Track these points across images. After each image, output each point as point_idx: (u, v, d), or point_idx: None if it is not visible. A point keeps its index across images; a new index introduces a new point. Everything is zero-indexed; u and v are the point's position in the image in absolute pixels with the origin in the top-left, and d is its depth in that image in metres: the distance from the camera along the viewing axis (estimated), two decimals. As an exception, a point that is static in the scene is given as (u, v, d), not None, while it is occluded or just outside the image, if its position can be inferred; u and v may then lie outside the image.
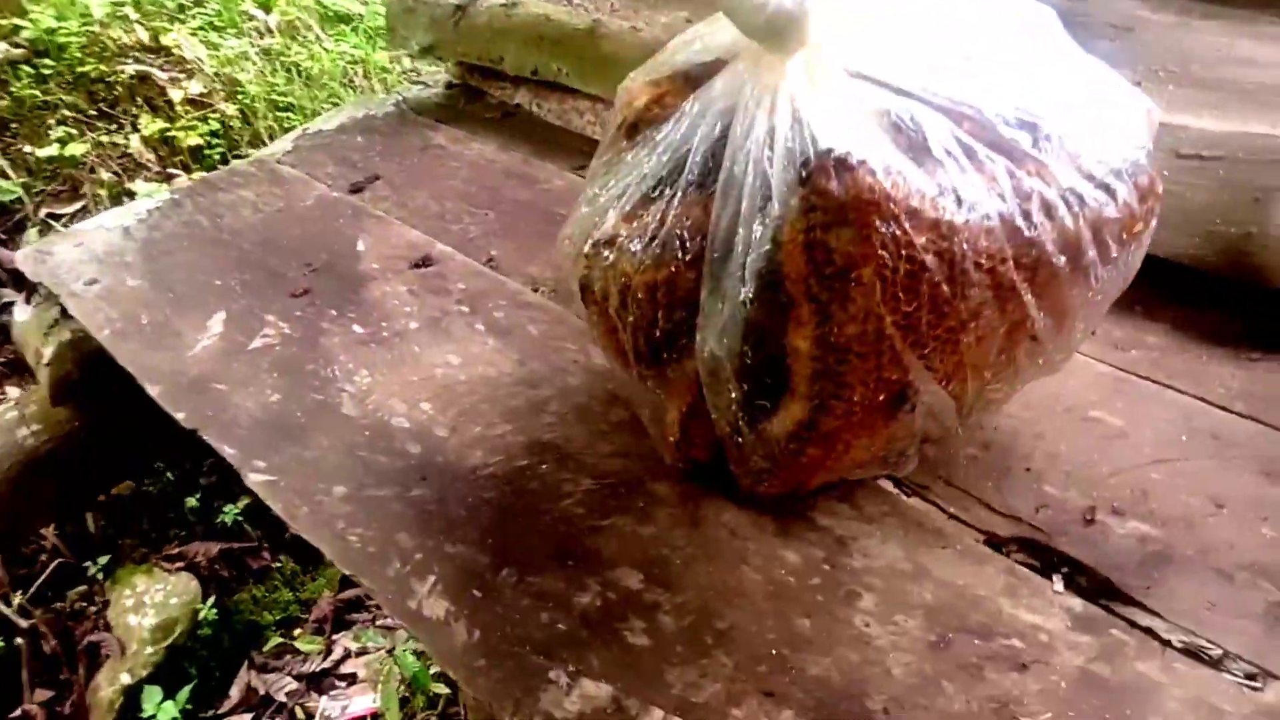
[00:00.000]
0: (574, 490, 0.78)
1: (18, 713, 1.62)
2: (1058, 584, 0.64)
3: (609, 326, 0.68)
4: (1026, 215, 0.53)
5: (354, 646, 1.74)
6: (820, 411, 0.60)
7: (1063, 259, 0.54)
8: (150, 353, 1.00)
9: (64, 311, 1.13)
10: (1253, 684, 0.58)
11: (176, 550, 1.79)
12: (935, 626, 0.62)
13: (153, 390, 0.96)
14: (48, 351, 1.13)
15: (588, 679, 0.62)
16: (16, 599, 1.67)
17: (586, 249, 0.66)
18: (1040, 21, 0.65)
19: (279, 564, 1.88)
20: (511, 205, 1.20)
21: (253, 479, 0.84)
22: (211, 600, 1.69)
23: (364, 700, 1.62)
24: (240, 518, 1.87)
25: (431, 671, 1.50)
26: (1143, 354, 0.84)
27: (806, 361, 0.58)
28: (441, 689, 1.51)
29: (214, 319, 1.05)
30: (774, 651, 0.62)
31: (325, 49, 2.62)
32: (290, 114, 2.40)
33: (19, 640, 1.65)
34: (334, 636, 1.77)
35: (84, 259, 1.18)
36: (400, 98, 1.52)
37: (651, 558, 0.71)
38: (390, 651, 1.41)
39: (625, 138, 0.71)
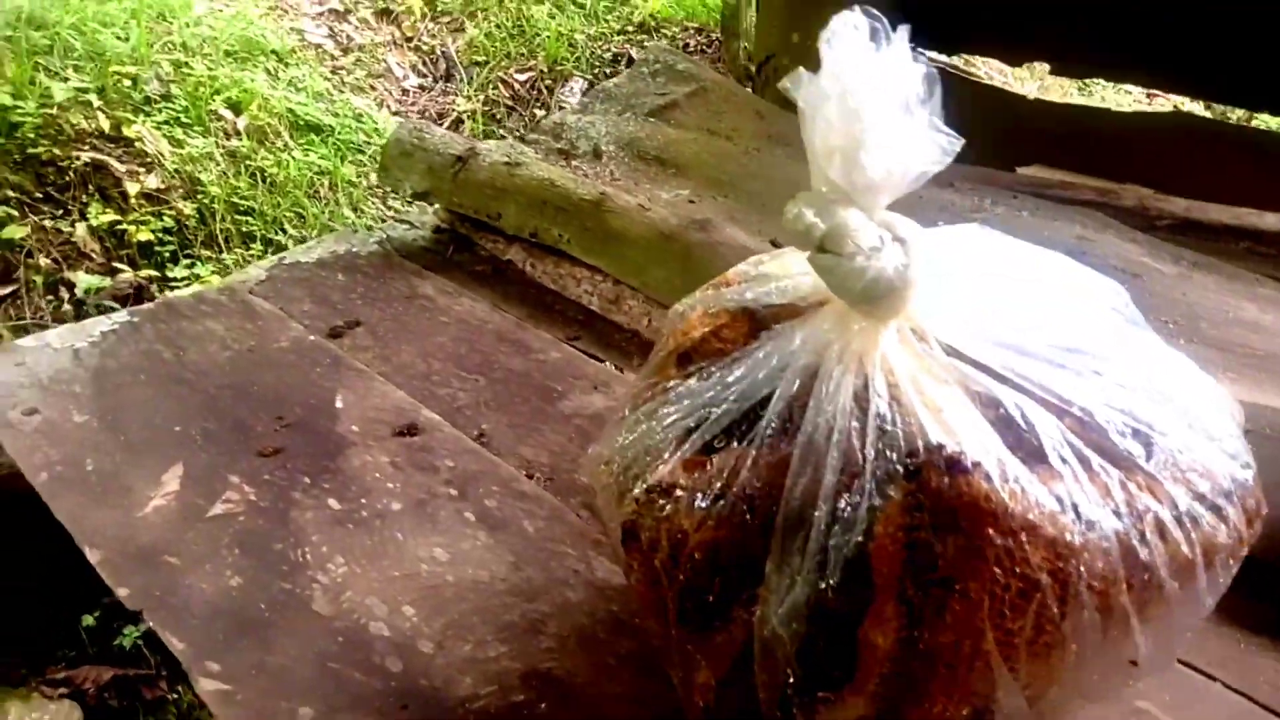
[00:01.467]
0: (578, 740, 0.70)
1: None
2: None
3: (650, 578, 0.62)
4: (1141, 536, 0.50)
5: None
6: (889, 716, 0.54)
7: (1175, 584, 0.51)
8: (94, 509, 0.90)
9: (-7, 442, 1.02)
10: None
11: (62, 674, 1.60)
12: None
13: (93, 557, 0.85)
14: (-33, 488, 1.00)
15: None
16: None
17: (638, 492, 0.61)
18: (1118, 302, 0.64)
19: (175, 695, 1.70)
20: (504, 373, 1.15)
21: (204, 686, 0.73)
22: None
23: None
24: (140, 641, 1.70)
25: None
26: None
27: (883, 660, 0.53)
28: None
29: (170, 473, 0.95)
30: None
31: (293, 157, 2.57)
32: (250, 218, 2.33)
33: None
34: None
35: (24, 382, 1.07)
36: (384, 236, 1.47)
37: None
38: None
39: (675, 365, 0.67)
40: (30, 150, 2.13)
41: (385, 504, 0.93)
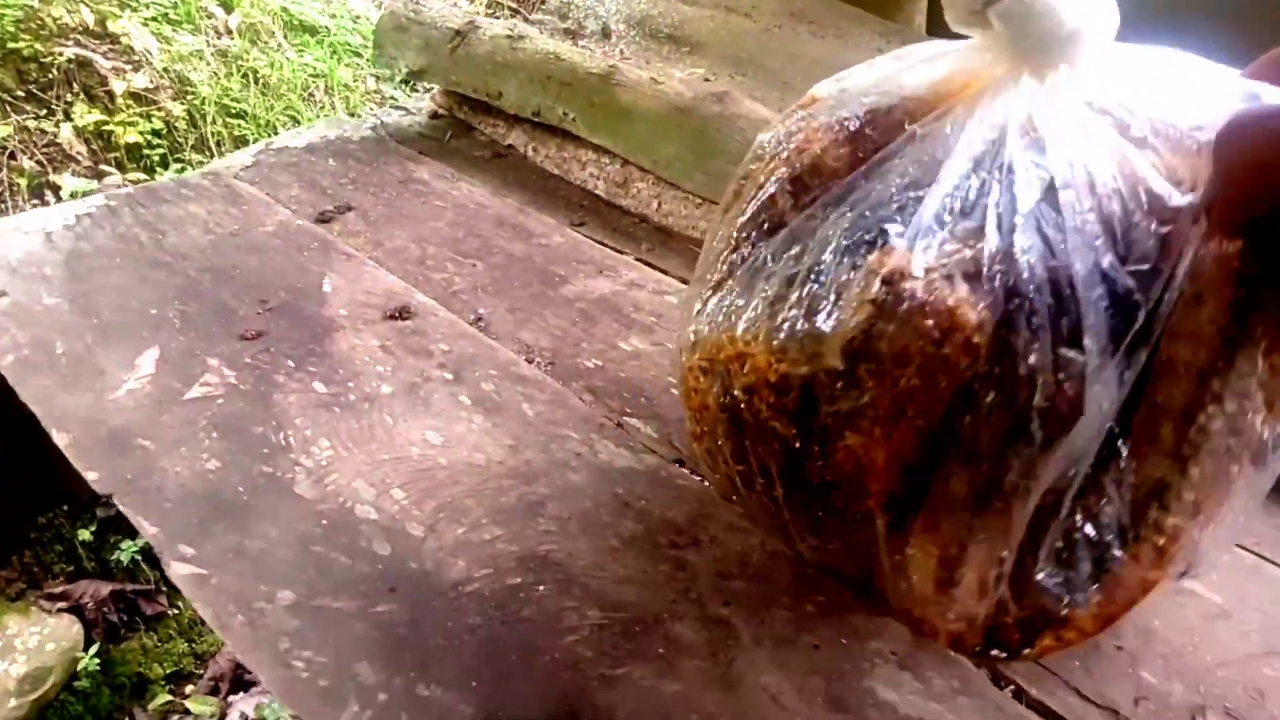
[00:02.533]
0: (579, 624, 0.64)
1: None
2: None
3: (896, 405, 0.48)
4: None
5: (252, 716, 1.56)
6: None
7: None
8: (63, 392, 0.84)
9: (-41, 326, 0.95)
10: None
11: (60, 588, 1.58)
12: None
13: (61, 440, 0.79)
14: (-67, 373, 0.94)
15: None
16: None
17: (875, 291, 0.48)
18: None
19: (176, 611, 1.69)
20: (504, 258, 1.07)
21: (177, 570, 0.68)
22: (95, 648, 1.50)
23: (257, 779, 1.46)
24: (138, 556, 1.68)
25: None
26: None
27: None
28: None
29: (145, 356, 0.88)
30: None
31: (287, 58, 2.46)
32: (242, 121, 2.24)
33: None
34: (230, 698, 1.60)
35: (-6, 264, 1.00)
36: (379, 121, 1.38)
37: (680, 728, 0.57)
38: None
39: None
40: (10, 45, 2.03)
41: (375, 387, 0.86)
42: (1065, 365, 0.45)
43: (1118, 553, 0.47)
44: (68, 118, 2.05)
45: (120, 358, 0.88)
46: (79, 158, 2.06)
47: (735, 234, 0.59)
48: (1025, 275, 0.45)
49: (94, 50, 2.15)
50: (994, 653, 0.52)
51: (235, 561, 0.68)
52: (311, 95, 2.46)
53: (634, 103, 1.13)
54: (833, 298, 0.49)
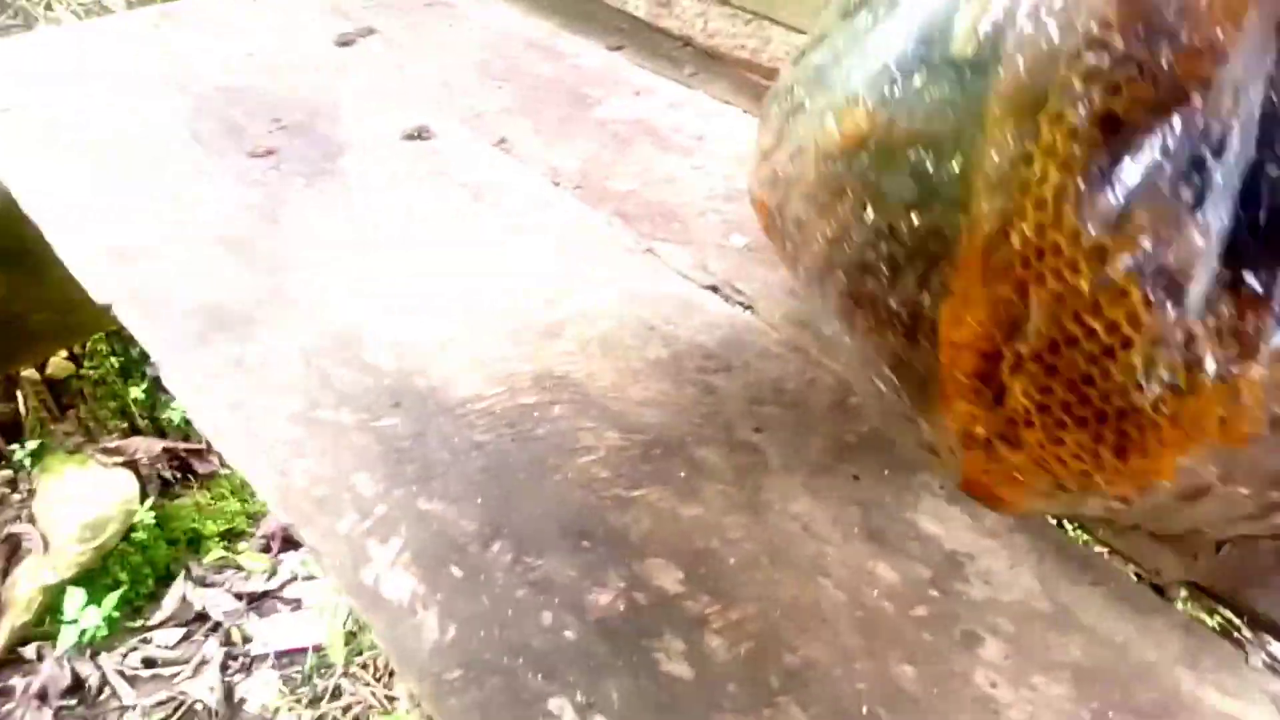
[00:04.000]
0: (595, 445, 0.59)
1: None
2: (1255, 658, 0.47)
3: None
4: None
5: (302, 571, 1.58)
6: None
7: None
8: (68, 211, 0.79)
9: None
10: None
11: (115, 444, 1.63)
12: (1089, 698, 0.45)
13: (66, 256, 0.75)
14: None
15: (602, 717, 0.45)
16: (-73, 474, 1.52)
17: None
18: None
19: (228, 471, 1.71)
20: (532, 80, 0.99)
21: (174, 381, 0.64)
22: (150, 502, 1.55)
23: (307, 631, 1.48)
24: (190, 417, 1.70)
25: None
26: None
27: None
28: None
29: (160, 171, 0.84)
30: (866, 709, 0.45)
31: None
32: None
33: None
34: (281, 556, 1.62)
35: (2, 76, 0.96)
36: (407, -55, 1.28)
37: (698, 550, 0.53)
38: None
39: None
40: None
41: (389, 206, 0.80)
42: None
43: None
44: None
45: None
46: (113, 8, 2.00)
47: None
48: None
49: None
50: None
51: (235, 372, 0.64)
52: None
53: (680, -92, 1.02)
54: None
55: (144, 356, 1.71)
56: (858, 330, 0.45)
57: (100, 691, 1.44)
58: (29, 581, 1.44)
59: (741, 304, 0.70)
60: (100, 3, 1.77)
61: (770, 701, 0.45)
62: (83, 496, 1.54)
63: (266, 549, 1.66)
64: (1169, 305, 0.34)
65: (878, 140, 0.42)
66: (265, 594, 1.59)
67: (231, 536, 1.69)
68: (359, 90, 0.97)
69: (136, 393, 1.71)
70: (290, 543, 1.66)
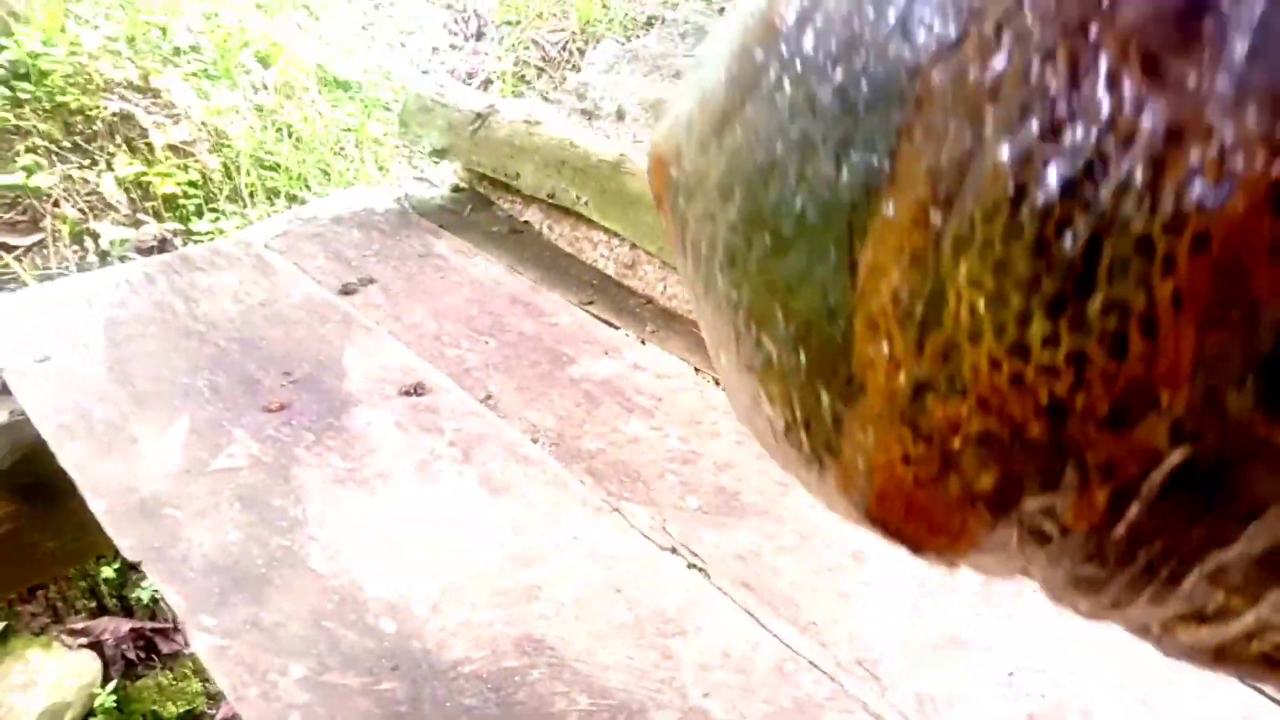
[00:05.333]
0: (568, 710, 0.69)
1: None
2: None
3: None
4: None
5: None
6: None
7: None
8: (100, 459, 0.90)
9: (4, 386, 1.02)
10: None
11: (82, 624, 1.65)
12: None
13: (97, 507, 0.85)
14: (-22, 434, 1.01)
15: None
16: (-114, 666, 1.51)
17: None
18: None
19: (191, 650, 1.73)
20: (515, 336, 1.13)
21: (199, 641, 0.73)
22: (112, 685, 1.56)
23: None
24: (158, 596, 1.73)
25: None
26: None
27: None
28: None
29: (176, 426, 0.95)
30: None
31: (320, 113, 2.56)
32: (275, 174, 2.32)
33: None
34: None
35: (39, 328, 1.07)
36: (403, 194, 1.45)
37: (655, 815, 0.62)
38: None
39: None
40: (59, 99, 2.13)
41: (388, 463, 0.92)
42: None
43: None
44: (109, 168, 2.14)
45: (153, 425, 0.95)
46: (118, 206, 2.15)
47: None
48: None
49: (136, 104, 2.25)
50: None
51: (253, 633, 0.74)
52: (343, 149, 2.55)
53: (642, 191, 1.19)
54: None
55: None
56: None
57: None
58: (-16, 771, 1.45)
59: (697, 567, 0.82)
60: (135, 218, 1.92)
61: None
62: (44, 682, 1.56)
63: (227, 729, 1.67)
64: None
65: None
66: (223, 782, 1.59)
67: (190, 718, 1.69)
68: (361, 343, 1.10)
69: (108, 572, 1.74)
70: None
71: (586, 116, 1.50)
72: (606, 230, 1.27)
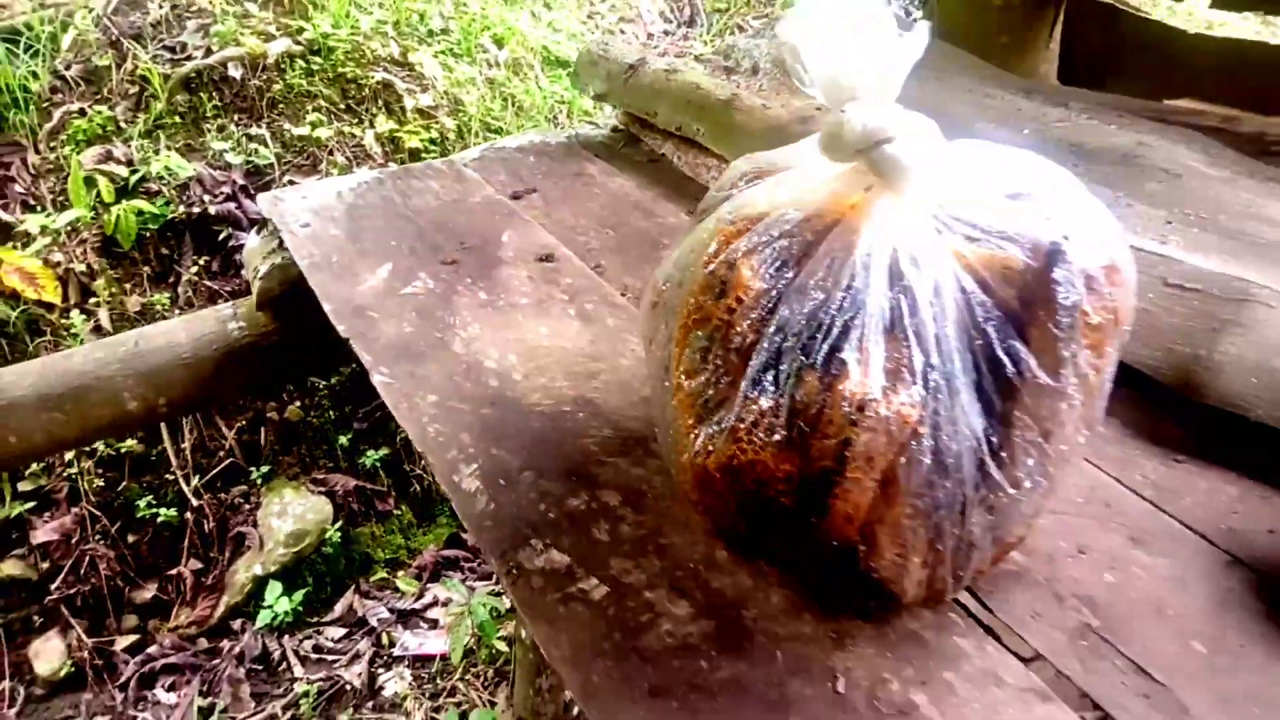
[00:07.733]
0: (596, 434, 1.01)
1: (174, 572, 1.97)
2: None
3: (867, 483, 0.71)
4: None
5: (443, 596, 2.00)
6: None
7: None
8: (332, 283, 1.33)
9: (281, 243, 1.49)
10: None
11: (322, 476, 2.16)
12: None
13: (327, 307, 1.27)
14: (262, 269, 1.48)
15: (556, 550, 0.86)
16: (194, 481, 2.04)
17: (851, 413, 0.81)
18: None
19: (399, 513, 2.20)
20: (631, 230, 1.47)
21: (377, 379, 1.12)
22: (338, 525, 2.03)
23: (437, 642, 1.89)
24: (378, 464, 2.19)
25: (499, 634, 1.74)
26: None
27: None
28: (502, 647, 1.75)
29: (382, 268, 1.36)
30: (691, 565, 0.84)
31: (540, 87, 3.01)
32: (498, 136, 2.79)
33: (188, 515, 1.99)
34: (429, 584, 2.06)
35: (304, 208, 1.54)
36: (574, 132, 1.83)
37: (633, 489, 0.93)
38: (468, 605, 1.67)
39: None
40: (339, 69, 2.70)
41: (517, 299, 1.28)
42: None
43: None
44: (371, 125, 2.69)
45: (368, 267, 1.37)
46: (375, 156, 2.71)
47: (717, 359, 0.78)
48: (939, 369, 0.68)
49: (396, 75, 2.80)
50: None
51: (409, 378, 1.12)
52: (555, 118, 3.00)
53: (744, 123, 1.49)
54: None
55: (354, 413, 2.27)
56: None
57: (280, 663, 1.89)
58: (245, 571, 1.95)
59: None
60: (387, 165, 2.45)
61: (644, 555, 0.85)
62: (293, 513, 2.04)
63: (419, 577, 2.10)
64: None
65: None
66: (412, 612, 2.02)
67: (394, 564, 2.14)
68: (518, 228, 1.48)
69: (344, 440, 2.23)
70: (437, 574, 2.11)
71: (727, 72, 1.81)
72: (718, 156, 1.58)
